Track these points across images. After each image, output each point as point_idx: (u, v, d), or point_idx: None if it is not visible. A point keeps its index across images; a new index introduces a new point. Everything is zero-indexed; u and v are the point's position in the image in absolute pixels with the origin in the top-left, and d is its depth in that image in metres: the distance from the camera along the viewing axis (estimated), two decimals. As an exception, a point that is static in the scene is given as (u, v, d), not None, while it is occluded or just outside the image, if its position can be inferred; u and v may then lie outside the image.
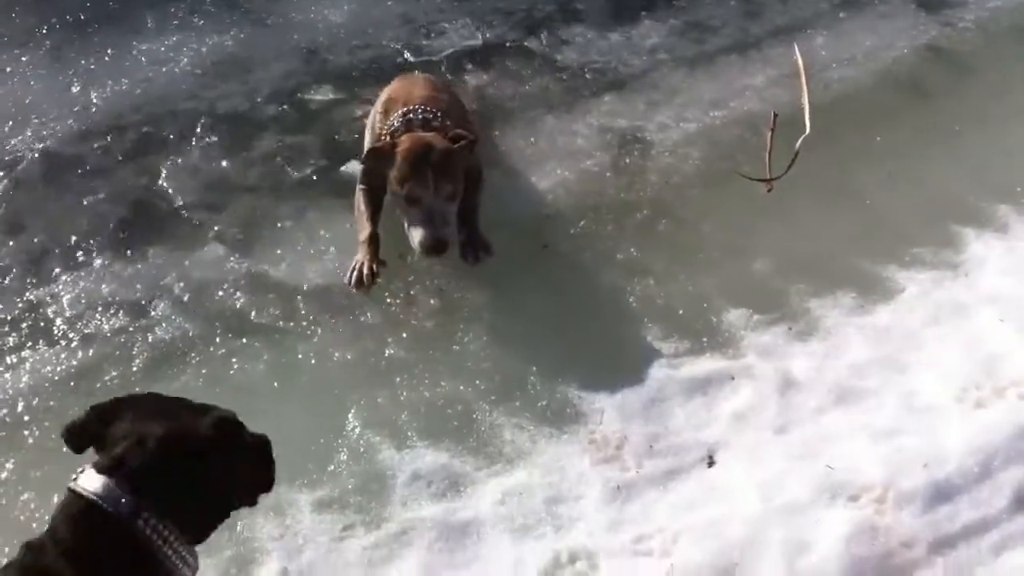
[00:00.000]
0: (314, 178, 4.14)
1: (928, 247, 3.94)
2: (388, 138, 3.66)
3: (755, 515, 2.97)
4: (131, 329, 3.52)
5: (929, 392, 3.32)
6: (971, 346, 3.49)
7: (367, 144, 3.92)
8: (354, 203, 3.82)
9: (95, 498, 1.83)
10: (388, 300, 3.64)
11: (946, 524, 2.86)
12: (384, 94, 4.03)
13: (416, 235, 3.48)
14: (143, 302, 3.61)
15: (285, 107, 4.51)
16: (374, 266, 3.57)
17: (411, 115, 3.71)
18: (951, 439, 3.12)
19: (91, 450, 2.00)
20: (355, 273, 3.58)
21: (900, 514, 2.88)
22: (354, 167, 4.02)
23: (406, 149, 3.52)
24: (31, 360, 3.43)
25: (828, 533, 2.76)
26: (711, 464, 3.16)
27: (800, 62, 4.70)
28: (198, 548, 2.00)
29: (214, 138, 4.33)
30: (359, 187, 3.82)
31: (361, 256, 3.62)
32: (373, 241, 3.64)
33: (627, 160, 4.30)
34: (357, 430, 3.23)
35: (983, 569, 2.74)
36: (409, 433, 3.23)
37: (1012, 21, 5.29)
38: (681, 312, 3.65)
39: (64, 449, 3.06)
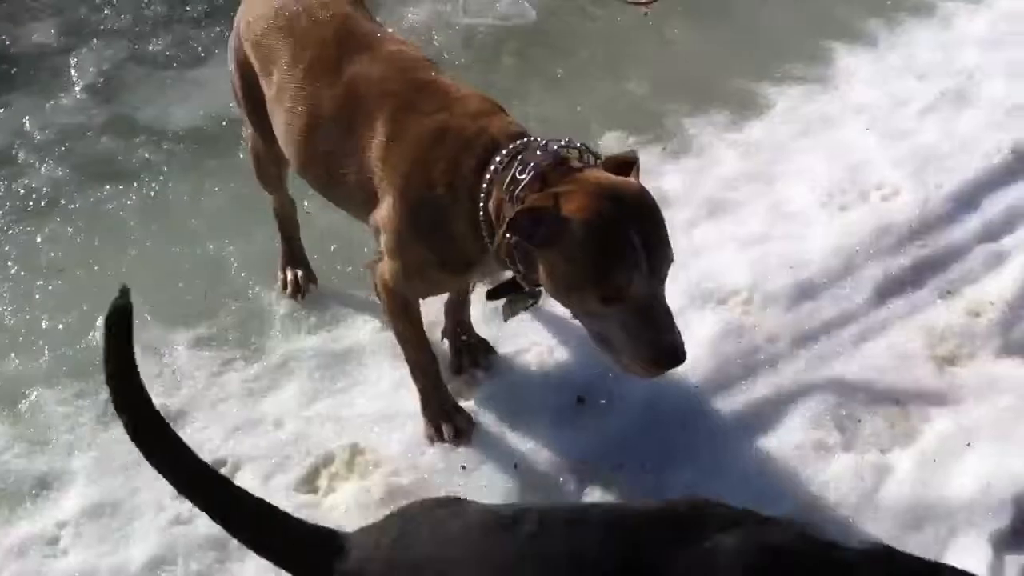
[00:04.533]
0: (187, 12, 3.97)
1: (800, 62, 4.00)
2: (529, 192, 2.03)
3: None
4: (-5, 177, 3.41)
5: (796, 200, 3.39)
6: (838, 155, 3.56)
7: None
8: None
9: None
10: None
11: (808, 320, 2.95)
12: None
13: (637, 350, 1.99)
14: (5, 149, 3.49)
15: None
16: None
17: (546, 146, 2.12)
18: (816, 241, 3.20)
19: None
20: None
21: (765, 313, 2.97)
22: None
23: (595, 212, 1.94)
24: None
25: (696, 335, 2.81)
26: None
27: None
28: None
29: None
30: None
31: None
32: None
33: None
34: (234, 269, 3.18)
35: (842, 359, 2.84)
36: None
37: None
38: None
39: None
